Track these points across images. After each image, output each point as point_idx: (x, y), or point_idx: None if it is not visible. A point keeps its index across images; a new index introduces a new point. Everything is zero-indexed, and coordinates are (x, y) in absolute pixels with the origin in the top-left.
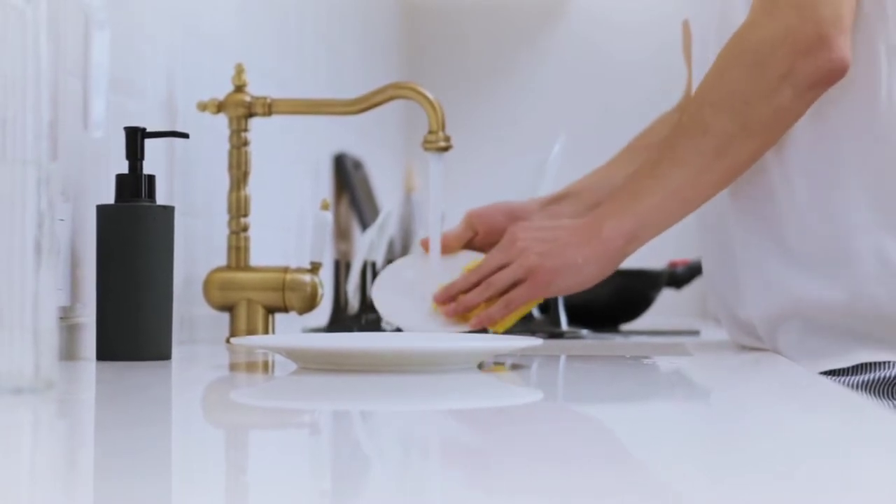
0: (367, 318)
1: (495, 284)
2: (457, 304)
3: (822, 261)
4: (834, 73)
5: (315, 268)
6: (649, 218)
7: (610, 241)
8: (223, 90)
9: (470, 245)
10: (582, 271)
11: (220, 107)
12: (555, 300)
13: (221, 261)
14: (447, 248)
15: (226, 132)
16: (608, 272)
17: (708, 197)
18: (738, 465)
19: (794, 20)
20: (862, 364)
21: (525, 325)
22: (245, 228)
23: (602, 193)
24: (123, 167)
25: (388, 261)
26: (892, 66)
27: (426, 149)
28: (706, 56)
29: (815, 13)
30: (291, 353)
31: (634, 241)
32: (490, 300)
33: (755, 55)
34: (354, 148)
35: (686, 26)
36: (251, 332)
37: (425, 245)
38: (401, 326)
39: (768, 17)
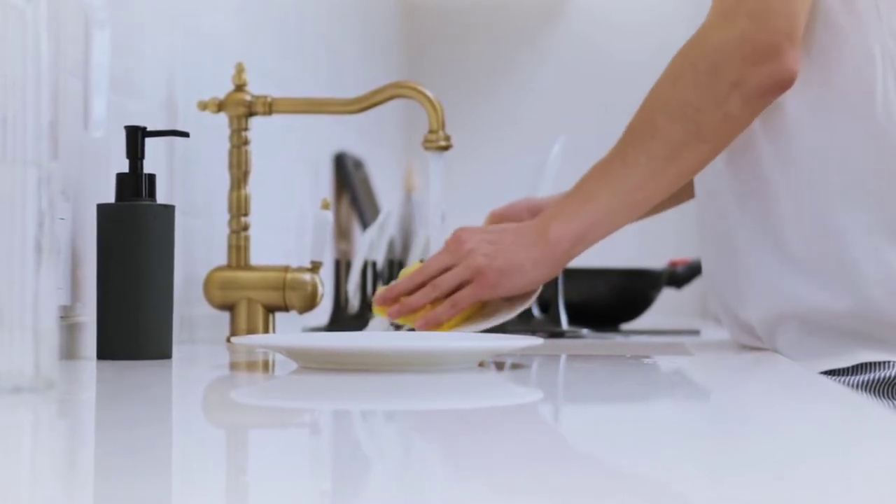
0: (370, 317)
1: (441, 286)
2: (400, 305)
3: (821, 264)
4: (783, 84)
5: (315, 267)
6: (597, 220)
7: (556, 243)
8: (223, 90)
9: None
10: (528, 272)
11: (220, 106)
12: (556, 300)
13: (222, 260)
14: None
15: (226, 131)
16: (554, 273)
17: (657, 200)
18: (739, 465)
19: (750, 29)
20: (861, 364)
21: (525, 325)
22: (245, 228)
23: None
24: (124, 166)
25: (389, 260)
26: (888, 69)
27: (426, 148)
28: None
29: (770, 23)
30: (292, 353)
31: (581, 242)
32: (435, 302)
33: (708, 62)
34: (355, 147)
35: None
36: (251, 331)
37: None
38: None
39: (725, 23)
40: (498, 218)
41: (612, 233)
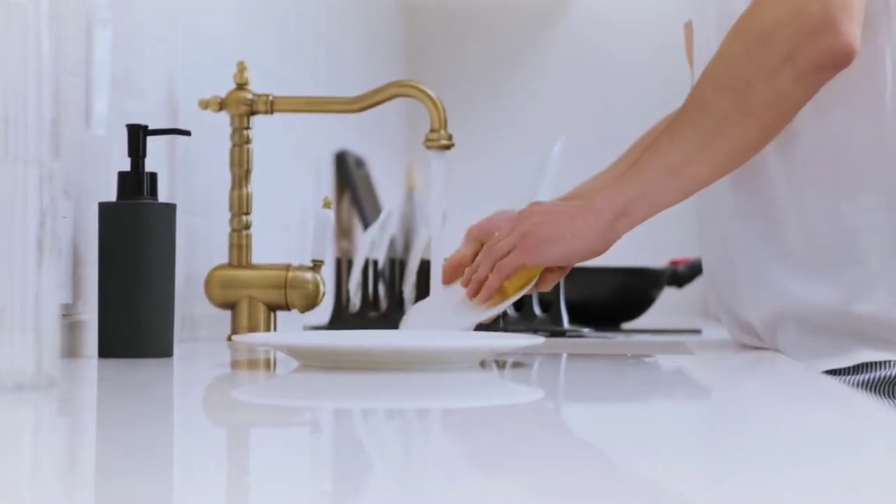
0: (371, 315)
1: (495, 251)
2: (472, 282)
3: (823, 263)
4: (839, 59)
5: (317, 266)
6: (641, 193)
7: (600, 213)
8: (225, 89)
9: None
10: (569, 243)
11: (221, 105)
12: (557, 299)
13: (223, 259)
14: (455, 274)
15: (227, 130)
16: (599, 248)
17: (704, 177)
18: (740, 465)
19: (803, 1)
20: (862, 364)
21: (527, 324)
22: (247, 226)
23: None
24: (125, 165)
25: (390, 259)
26: None
27: (428, 147)
28: (707, 57)
29: None
30: (293, 351)
31: (625, 216)
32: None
33: (759, 35)
34: (356, 146)
35: (689, 27)
36: (253, 329)
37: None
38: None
39: None
40: (477, 232)
41: (659, 209)
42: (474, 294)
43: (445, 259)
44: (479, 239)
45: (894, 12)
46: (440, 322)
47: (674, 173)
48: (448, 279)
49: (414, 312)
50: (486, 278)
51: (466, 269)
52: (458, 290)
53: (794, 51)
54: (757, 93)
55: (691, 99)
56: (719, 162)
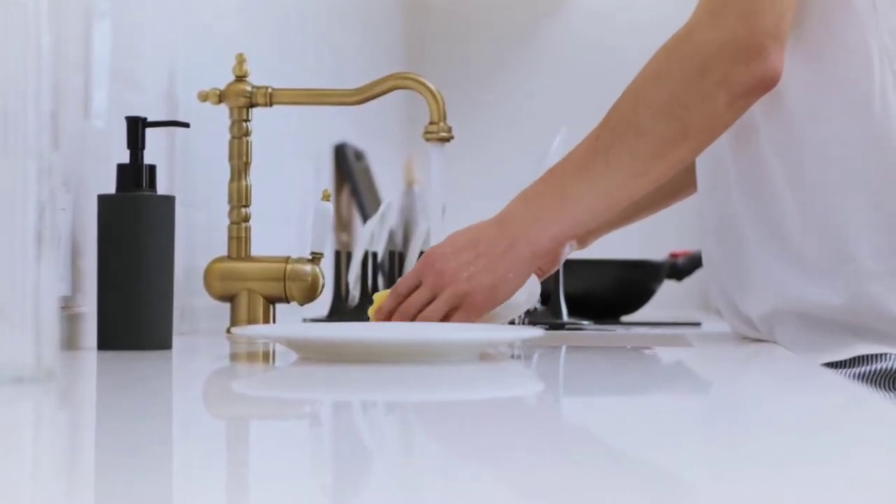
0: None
1: (427, 317)
2: None
3: (821, 258)
4: (765, 84)
5: (316, 258)
6: (579, 220)
7: (537, 243)
8: (224, 81)
9: None
10: (511, 280)
11: (221, 97)
12: (556, 291)
13: (222, 251)
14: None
15: (227, 122)
16: (532, 270)
17: (637, 197)
18: (740, 457)
19: (737, 27)
20: (859, 357)
21: (526, 316)
22: (246, 219)
23: None
24: (124, 157)
25: (390, 252)
26: (885, 66)
27: (427, 139)
28: None
29: (758, 23)
30: (292, 344)
31: (562, 240)
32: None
33: (697, 60)
34: (356, 138)
35: None
36: (252, 322)
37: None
38: None
39: (712, 22)
40: (433, 258)
41: (591, 227)
42: None
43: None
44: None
45: (881, 11)
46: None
47: (611, 197)
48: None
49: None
50: None
51: (380, 311)
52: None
53: (728, 77)
54: (694, 117)
55: (623, 122)
56: (653, 182)
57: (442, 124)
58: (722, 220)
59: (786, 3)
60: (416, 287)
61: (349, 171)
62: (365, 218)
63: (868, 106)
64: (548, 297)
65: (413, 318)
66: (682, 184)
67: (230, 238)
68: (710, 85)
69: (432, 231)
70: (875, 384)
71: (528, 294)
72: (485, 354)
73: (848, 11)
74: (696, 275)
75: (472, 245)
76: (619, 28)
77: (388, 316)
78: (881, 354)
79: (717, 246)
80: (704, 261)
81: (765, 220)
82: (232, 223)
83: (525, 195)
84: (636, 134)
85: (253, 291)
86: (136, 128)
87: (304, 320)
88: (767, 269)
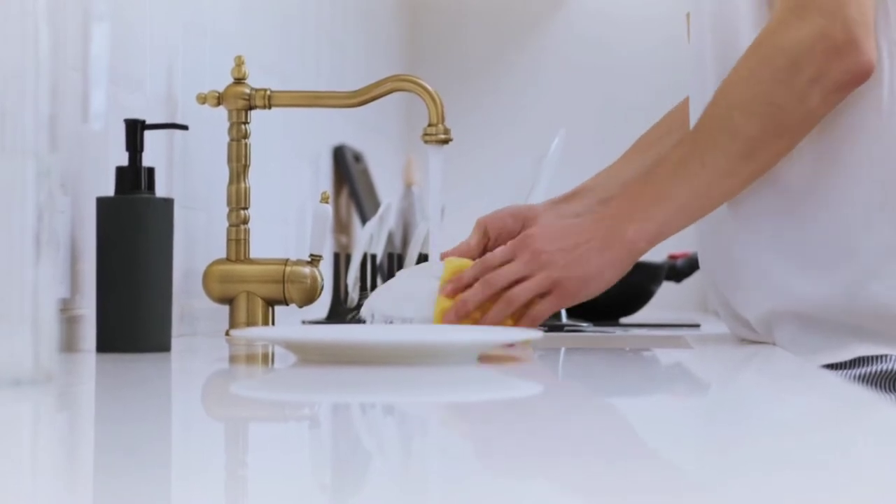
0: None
1: (519, 298)
2: (460, 306)
3: (820, 258)
4: (861, 76)
5: (315, 260)
6: (674, 218)
7: (634, 243)
8: (223, 83)
9: (484, 253)
10: (606, 277)
11: (219, 99)
12: None
13: (221, 253)
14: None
15: (226, 124)
16: (626, 271)
17: (732, 196)
18: (738, 459)
19: (825, 22)
20: (858, 358)
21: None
22: (245, 221)
23: (614, 190)
24: (123, 159)
25: (388, 254)
26: (893, 63)
27: (426, 141)
28: (703, 49)
29: (844, 15)
30: (291, 346)
31: (656, 240)
32: (491, 300)
33: (787, 58)
34: (354, 140)
35: (689, 19)
36: (251, 324)
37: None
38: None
39: (797, 19)
40: (484, 225)
41: (684, 228)
42: (458, 318)
43: (442, 253)
44: (488, 232)
45: (891, 9)
46: (404, 312)
47: (702, 196)
48: (450, 293)
49: (376, 298)
50: (475, 303)
51: (460, 278)
52: (427, 281)
53: (822, 72)
54: (787, 115)
55: (716, 123)
56: (748, 180)
57: (440, 126)
58: (716, 221)
59: None
60: (507, 263)
61: (348, 172)
62: (364, 220)
63: (877, 105)
64: None
65: (500, 292)
66: None
67: (229, 240)
68: (804, 82)
69: (431, 232)
70: (875, 385)
71: None
72: (483, 356)
73: None
74: (695, 276)
75: (572, 235)
76: (619, 29)
77: (469, 285)
78: (881, 356)
79: (712, 247)
80: (700, 263)
81: (759, 221)
82: (231, 225)
83: (625, 194)
84: (730, 135)
85: (252, 293)
86: (135, 130)
87: (303, 322)
88: (764, 270)
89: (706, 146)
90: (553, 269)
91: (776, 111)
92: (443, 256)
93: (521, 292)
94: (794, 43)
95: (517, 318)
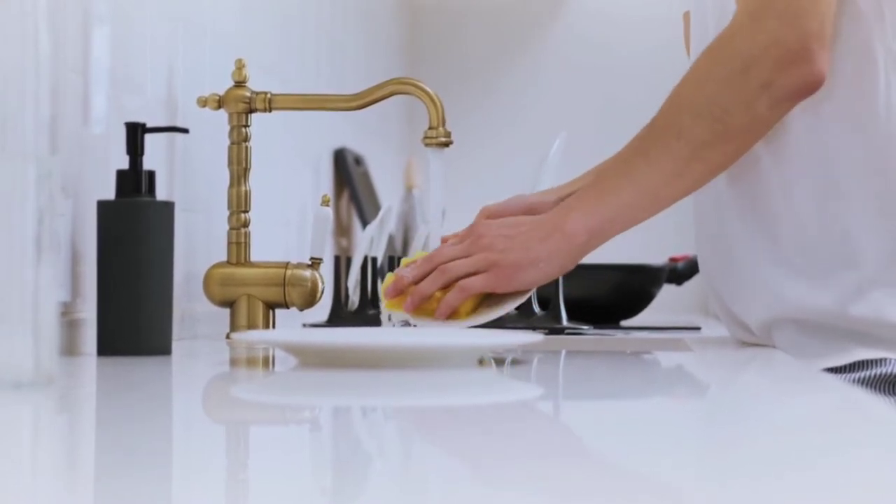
0: (373, 313)
1: (451, 271)
2: (412, 294)
3: (819, 264)
4: (811, 87)
5: (315, 263)
6: (616, 215)
7: (573, 236)
8: (224, 86)
9: None
10: (542, 266)
11: (220, 102)
12: (556, 296)
13: (222, 256)
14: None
15: (226, 128)
16: (569, 267)
17: (678, 198)
18: (739, 461)
19: (780, 29)
20: (857, 362)
21: (525, 321)
22: (245, 224)
23: None
24: (124, 163)
25: (389, 257)
26: (890, 70)
27: (426, 144)
28: (703, 48)
29: (800, 25)
30: (292, 349)
31: (598, 236)
32: (445, 290)
33: (739, 62)
34: (355, 143)
35: (687, 17)
36: (251, 327)
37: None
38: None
39: (754, 23)
40: (490, 215)
41: (632, 226)
42: (413, 308)
43: (443, 237)
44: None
45: (887, 16)
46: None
47: (649, 196)
48: (393, 295)
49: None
50: (431, 295)
51: (406, 278)
52: None
53: (772, 80)
54: (735, 120)
55: (665, 123)
56: (694, 183)
57: (441, 129)
58: (715, 225)
59: (826, 3)
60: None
61: (348, 176)
62: (364, 223)
63: (873, 110)
64: (547, 301)
65: (437, 266)
66: None
67: (230, 243)
68: (753, 88)
69: (432, 236)
70: (875, 389)
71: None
72: (483, 359)
73: (853, 15)
74: (696, 279)
75: (518, 224)
76: (620, 29)
77: (422, 266)
78: (880, 359)
79: (711, 252)
80: (700, 269)
81: (758, 225)
82: (231, 228)
83: (580, 188)
84: (677, 135)
85: (252, 297)
86: (136, 133)
87: (304, 325)
88: (764, 276)
89: (653, 146)
90: (491, 252)
91: (723, 115)
92: (443, 240)
93: (455, 266)
94: (747, 47)
95: (447, 290)
